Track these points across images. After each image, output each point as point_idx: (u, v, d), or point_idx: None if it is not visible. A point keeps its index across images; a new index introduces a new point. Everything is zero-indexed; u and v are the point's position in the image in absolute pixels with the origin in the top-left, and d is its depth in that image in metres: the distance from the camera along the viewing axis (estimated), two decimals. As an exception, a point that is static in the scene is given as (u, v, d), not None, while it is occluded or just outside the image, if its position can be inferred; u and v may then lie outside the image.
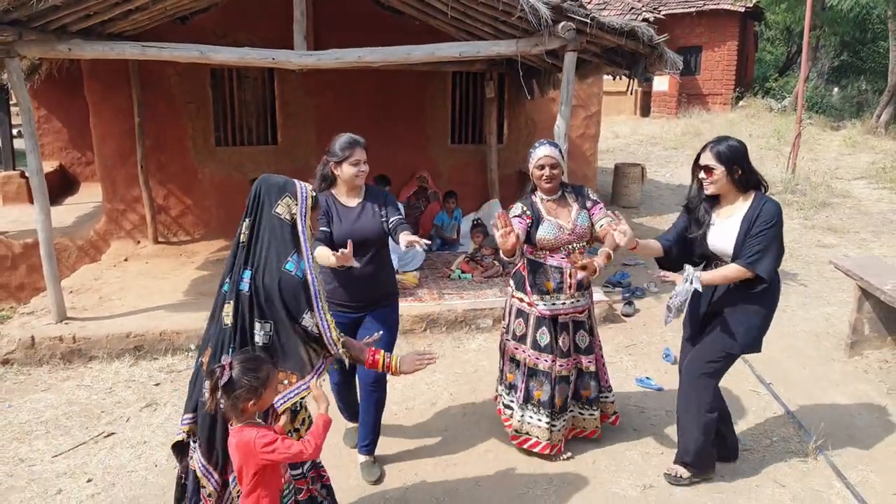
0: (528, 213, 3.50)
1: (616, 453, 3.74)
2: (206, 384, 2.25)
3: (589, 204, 3.56)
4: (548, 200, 3.53)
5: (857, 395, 4.43)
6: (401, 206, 3.99)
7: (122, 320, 5.27)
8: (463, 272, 6.35)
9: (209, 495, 2.45)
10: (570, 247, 3.51)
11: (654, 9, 19.81)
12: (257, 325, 2.36)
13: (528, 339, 3.60)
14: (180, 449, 2.59)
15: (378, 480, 3.51)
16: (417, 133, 8.02)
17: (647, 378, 4.64)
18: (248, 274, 2.36)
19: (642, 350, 5.21)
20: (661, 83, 19.25)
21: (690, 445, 3.40)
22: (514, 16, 4.83)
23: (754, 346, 3.23)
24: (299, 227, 2.43)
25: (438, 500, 3.38)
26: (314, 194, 2.51)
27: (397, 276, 5.96)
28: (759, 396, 4.39)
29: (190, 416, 2.50)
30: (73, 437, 4.01)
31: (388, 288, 3.54)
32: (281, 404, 2.40)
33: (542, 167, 3.45)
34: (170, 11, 5.97)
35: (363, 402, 3.52)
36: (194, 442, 2.50)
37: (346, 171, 3.28)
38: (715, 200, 3.23)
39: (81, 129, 11.55)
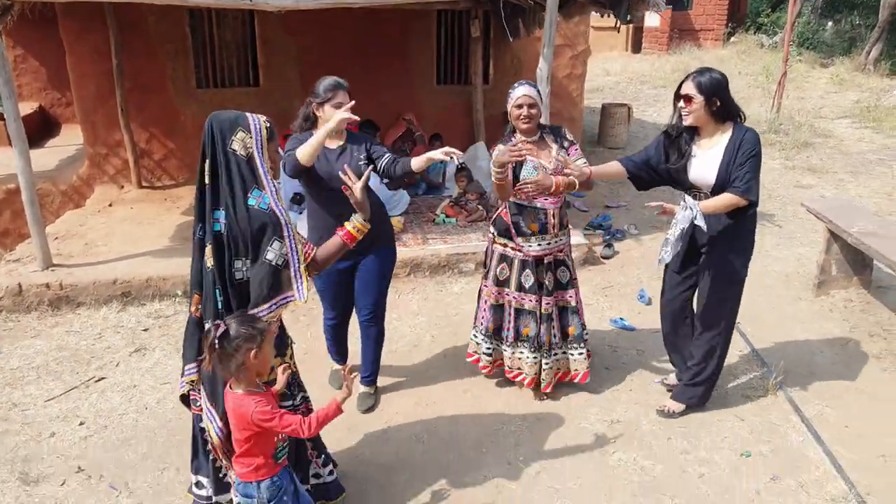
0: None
1: (587, 391, 3.92)
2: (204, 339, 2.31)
3: (566, 144, 3.63)
4: (527, 142, 3.58)
5: (820, 333, 4.61)
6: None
7: (108, 266, 5.34)
8: (447, 216, 6.42)
9: (214, 445, 2.56)
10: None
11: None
12: (237, 263, 2.43)
13: (513, 282, 3.72)
14: (187, 402, 2.71)
15: (369, 409, 3.78)
16: (402, 74, 7.92)
17: (621, 319, 4.81)
18: (220, 214, 2.41)
19: (619, 291, 5.35)
20: (653, 19, 18.82)
21: (707, 390, 3.67)
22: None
23: (746, 270, 3.46)
24: (256, 161, 2.42)
25: (417, 437, 3.56)
26: (268, 125, 2.49)
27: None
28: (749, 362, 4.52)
29: (193, 365, 2.59)
30: (64, 382, 4.14)
31: (379, 230, 3.42)
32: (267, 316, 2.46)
33: (520, 106, 3.49)
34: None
35: (362, 337, 3.76)
36: (198, 390, 2.60)
37: (328, 112, 3.30)
38: (695, 132, 3.32)
39: (59, 68, 11.23)
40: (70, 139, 10.39)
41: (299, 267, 2.48)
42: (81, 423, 3.72)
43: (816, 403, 3.81)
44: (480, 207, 6.40)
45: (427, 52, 8.02)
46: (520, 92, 3.50)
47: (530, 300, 3.71)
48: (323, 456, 2.97)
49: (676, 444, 3.48)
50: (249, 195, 2.39)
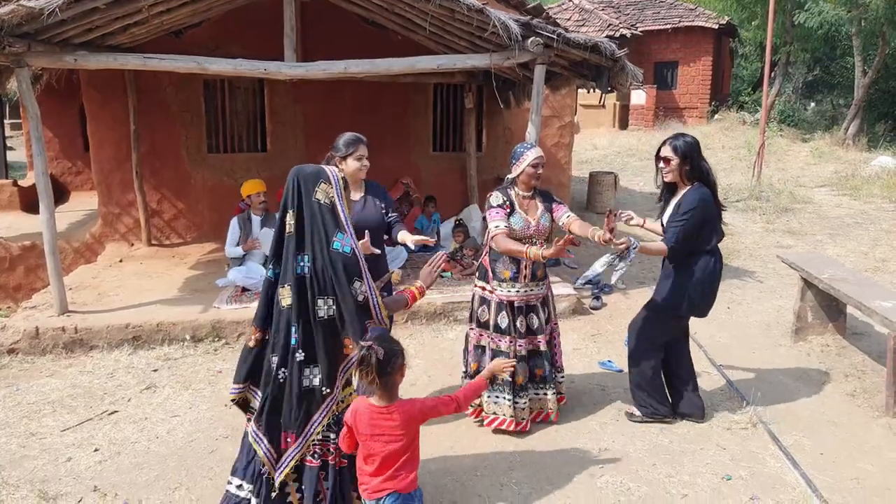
0: (507, 202, 3.91)
1: (577, 424, 4.15)
2: (355, 367, 2.55)
3: (553, 205, 4.01)
4: (522, 196, 3.95)
5: (797, 374, 4.87)
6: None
7: (120, 313, 5.61)
8: (444, 271, 6.73)
9: (262, 464, 2.81)
10: (530, 241, 3.90)
11: (632, 25, 20.50)
12: (320, 302, 2.65)
13: (491, 324, 4.00)
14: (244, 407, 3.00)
15: None
16: (401, 141, 8.45)
17: (609, 361, 5.06)
18: (306, 258, 2.65)
19: (607, 338, 5.62)
20: (639, 97, 19.86)
21: (635, 391, 4.15)
22: (488, 31, 5.27)
23: (673, 308, 3.90)
24: (339, 208, 2.69)
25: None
26: (343, 177, 2.79)
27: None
28: (709, 376, 4.80)
29: (239, 386, 2.91)
30: (78, 414, 4.34)
31: (386, 267, 4.01)
32: (347, 370, 2.76)
33: (535, 166, 3.87)
34: (165, 26, 6.37)
35: None
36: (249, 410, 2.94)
37: (350, 165, 3.65)
38: (674, 188, 3.87)
39: (72, 138, 11.90)
40: (78, 205, 10.88)
41: (377, 301, 2.71)
42: (96, 450, 3.91)
43: (793, 434, 4.03)
44: (475, 263, 6.73)
45: (424, 122, 8.57)
46: (535, 153, 3.88)
47: (506, 341, 3.97)
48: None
49: (661, 469, 3.68)
50: (334, 239, 2.64)
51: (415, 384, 4.76)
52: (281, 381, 2.76)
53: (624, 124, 20.56)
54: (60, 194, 12.31)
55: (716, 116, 20.38)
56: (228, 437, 4.05)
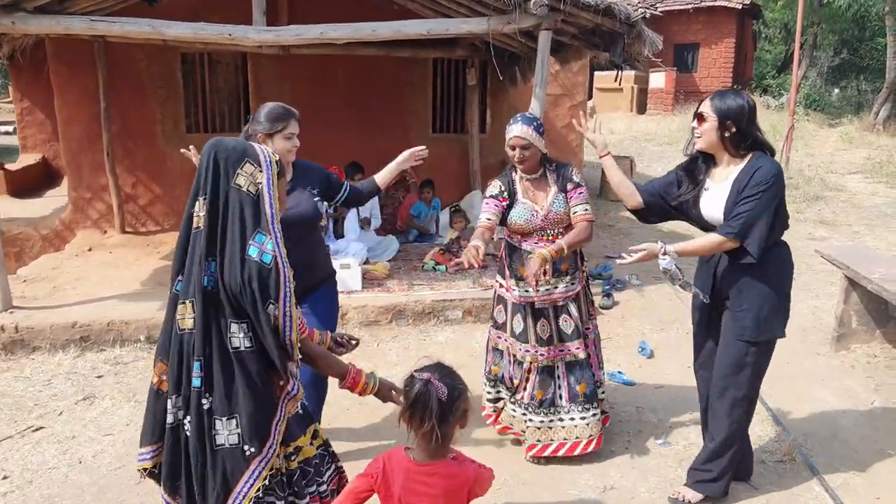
0: (505, 193, 3.26)
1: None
2: (403, 410, 1.82)
3: (569, 186, 3.25)
4: (526, 179, 3.27)
5: (842, 392, 4.15)
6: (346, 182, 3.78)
7: (69, 310, 5.00)
8: (437, 264, 6.07)
9: None
10: (542, 233, 3.25)
11: (651, 5, 19.59)
12: (234, 327, 1.93)
13: (508, 327, 3.38)
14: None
15: None
16: (397, 121, 7.76)
17: (619, 372, 4.37)
18: (213, 266, 1.93)
19: (617, 344, 4.93)
20: (658, 80, 19.00)
21: (726, 479, 3.00)
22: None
23: (769, 330, 2.80)
24: (266, 200, 1.95)
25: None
26: (277, 158, 2.06)
27: (367, 266, 5.72)
28: (763, 422, 4.04)
29: (150, 448, 2.07)
30: (-1, 431, 3.75)
31: (326, 270, 3.26)
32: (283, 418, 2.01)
33: (513, 147, 3.18)
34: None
35: (312, 385, 3.11)
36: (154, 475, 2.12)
37: (277, 145, 2.90)
38: (713, 162, 2.87)
39: (65, 121, 11.34)
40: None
41: (290, 334, 1.95)
42: (5, 478, 3.30)
43: (841, 471, 3.32)
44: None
45: (423, 100, 7.88)
46: (513, 132, 3.17)
47: (522, 349, 3.33)
48: None
49: (679, 514, 3.00)
50: (251, 242, 1.91)
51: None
52: (187, 434, 1.98)
53: (642, 108, 19.71)
54: (53, 178, 11.81)
55: (739, 101, 19.46)
56: (167, 461, 3.42)
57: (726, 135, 2.72)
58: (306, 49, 6.49)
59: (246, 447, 1.93)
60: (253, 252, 1.90)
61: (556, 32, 5.11)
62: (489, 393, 3.55)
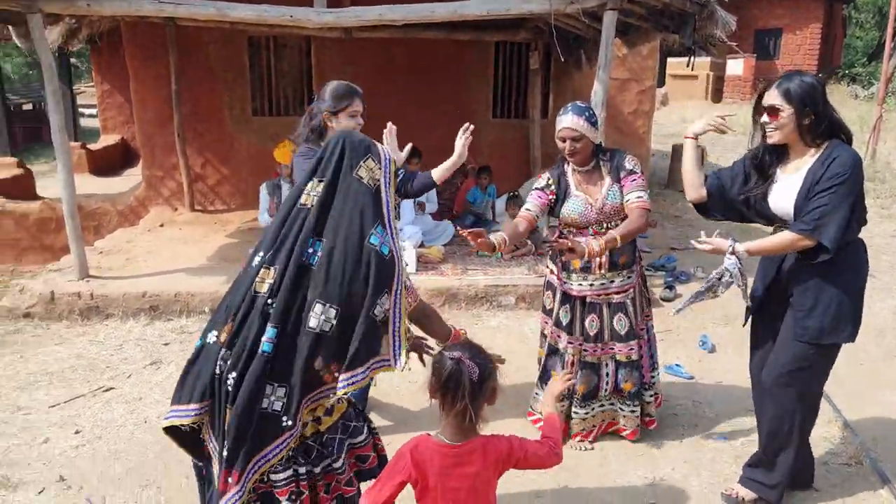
0: (552, 187, 3.16)
1: (629, 443, 3.38)
2: (433, 386, 1.81)
3: (622, 174, 3.12)
4: (579, 171, 3.17)
5: (918, 397, 3.90)
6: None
7: (140, 281, 5.25)
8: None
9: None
10: (598, 227, 3.13)
11: (731, -11, 18.81)
12: (318, 307, 1.96)
13: (553, 315, 3.31)
14: (176, 433, 2.14)
15: None
16: (457, 106, 7.73)
17: (678, 365, 4.24)
18: (319, 245, 2.00)
19: (678, 336, 4.79)
20: (735, 67, 18.24)
21: (780, 485, 2.82)
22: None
23: (835, 334, 2.58)
24: (383, 197, 2.07)
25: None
26: (395, 160, 2.16)
27: (421, 250, 5.75)
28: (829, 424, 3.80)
29: (197, 406, 2.05)
30: (73, 389, 3.98)
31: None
32: (316, 401, 2.05)
33: (563, 139, 3.07)
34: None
35: None
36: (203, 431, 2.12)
37: (342, 122, 2.96)
38: (783, 153, 2.65)
39: (142, 103, 11.87)
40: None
41: (399, 326, 2.00)
42: (77, 432, 3.51)
43: (912, 476, 3.13)
44: (529, 241, 6.00)
45: (484, 84, 7.82)
46: (563, 123, 3.05)
47: (565, 341, 3.26)
48: None
49: (731, 511, 2.90)
50: (373, 232, 2.00)
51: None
52: (229, 388, 2.01)
53: (717, 97, 18.99)
54: (131, 159, 12.39)
55: (823, 90, 18.48)
56: (223, 427, 3.56)
57: (805, 122, 2.48)
58: (368, 32, 6.54)
59: (284, 418, 1.97)
60: (374, 240, 1.99)
61: (623, 13, 4.97)
62: (538, 395, 3.43)
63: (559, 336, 3.28)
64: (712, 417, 3.67)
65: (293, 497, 2.04)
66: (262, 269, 2.03)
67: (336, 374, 1.98)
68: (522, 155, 7.86)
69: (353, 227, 1.99)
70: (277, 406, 1.97)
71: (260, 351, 1.95)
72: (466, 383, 1.72)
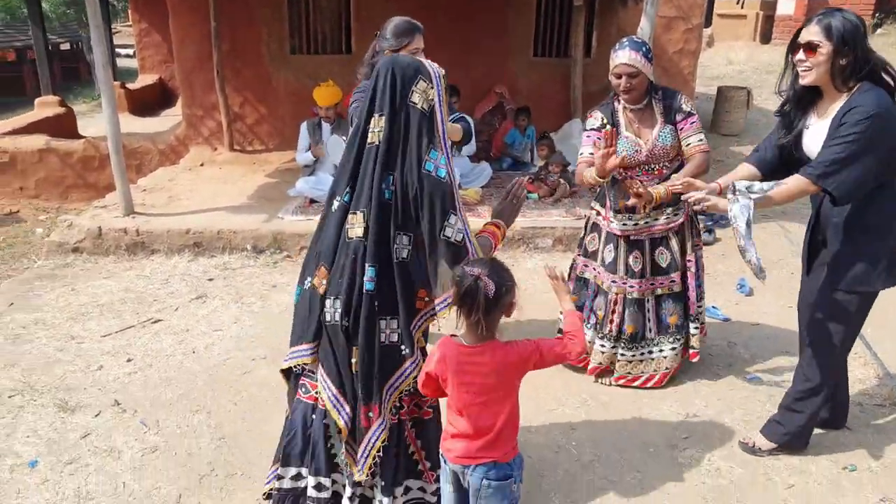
0: (607, 126, 3.10)
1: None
2: (454, 300, 1.90)
3: (679, 117, 3.07)
4: (630, 110, 3.11)
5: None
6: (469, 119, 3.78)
7: (184, 218, 5.38)
8: (529, 192, 6.01)
9: (339, 431, 2.22)
10: (646, 167, 3.11)
11: (785, -80, 17.78)
12: (403, 238, 2.07)
13: (599, 256, 3.32)
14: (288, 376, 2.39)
15: None
16: (497, 44, 7.55)
17: (715, 307, 4.24)
18: (391, 178, 2.07)
19: (716, 280, 4.76)
20: (787, 6, 17.37)
21: (801, 432, 2.84)
22: None
23: (867, 281, 2.53)
24: (437, 117, 2.08)
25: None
26: (444, 72, 2.13)
27: (459, 192, 5.74)
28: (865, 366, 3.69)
29: (309, 346, 2.22)
30: (123, 320, 4.15)
31: None
32: (420, 326, 2.15)
33: (618, 76, 3.00)
34: None
35: None
36: (313, 372, 2.27)
37: None
38: (809, 102, 2.54)
39: (179, 43, 11.87)
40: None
41: (473, 241, 2.08)
42: (129, 360, 3.69)
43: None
44: (563, 181, 5.94)
45: (525, 22, 7.59)
46: (619, 58, 2.97)
47: (610, 279, 3.28)
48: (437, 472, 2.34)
49: (763, 448, 2.93)
50: (426, 158, 2.04)
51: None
52: (345, 330, 2.13)
53: (766, 38, 18.16)
54: (168, 98, 12.48)
55: (879, 31, 17.55)
56: (266, 357, 3.70)
57: (841, 62, 2.35)
58: (408, -33, 6.37)
59: (402, 347, 2.13)
60: (429, 167, 2.03)
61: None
62: None
63: (605, 276, 3.29)
64: (747, 358, 3.69)
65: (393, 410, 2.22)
66: (350, 215, 2.11)
67: (426, 300, 2.10)
68: (562, 95, 7.70)
69: (412, 156, 2.05)
70: (394, 337, 2.13)
71: (364, 290, 2.08)
72: (482, 299, 1.81)
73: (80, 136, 8.83)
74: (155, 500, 2.64)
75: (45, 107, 9.60)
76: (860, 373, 3.50)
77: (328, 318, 2.14)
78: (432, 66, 2.12)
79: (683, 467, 2.81)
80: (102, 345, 3.86)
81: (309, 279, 2.23)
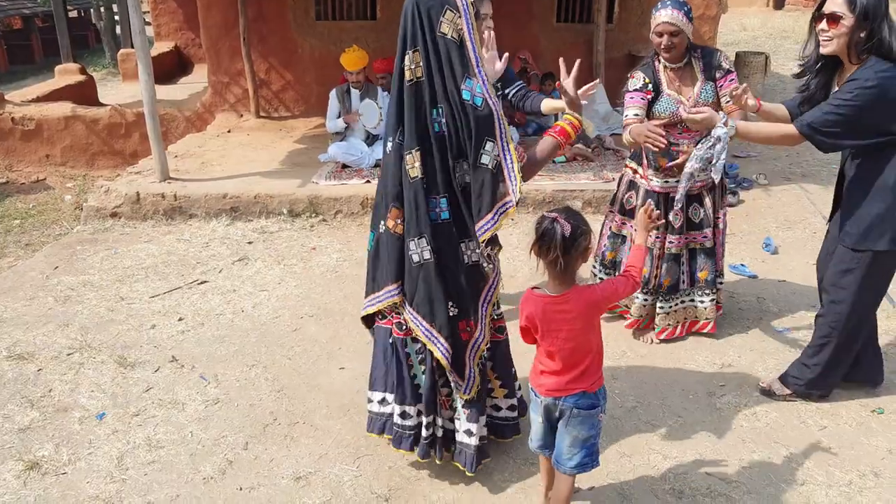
0: (649, 85, 3.18)
1: (697, 335, 3.56)
2: (534, 238, 1.99)
3: (718, 74, 3.17)
4: (670, 69, 3.19)
5: None
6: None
7: (219, 183, 5.50)
8: (556, 157, 6.10)
9: (437, 364, 2.36)
10: (686, 125, 3.18)
11: None
12: (459, 166, 2.18)
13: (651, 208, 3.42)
14: (370, 323, 2.55)
15: None
16: (520, 9, 7.56)
17: (742, 265, 4.37)
18: (439, 111, 2.14)
19: (741, 239, 4.87)
20: (803, -31, 17.15)
21: (815, 382, 2.94)
22: None
23: (877, 240, 2.64)
24: (468, 45, 2.09)
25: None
26: None
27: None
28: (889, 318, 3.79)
29: (395, 286, 2.33)
30: (169, 282, 4.30)
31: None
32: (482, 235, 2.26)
33: (660, 34, 3.07)
34: None
35: None
36: (400, 311, 2.39)
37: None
38: (829, 73, 2.69)
39: (196, 10, 11.82)
40: (200, 77, 10.87)
41: (513, 166, 2.13)
42: (180, 319, 3.84)
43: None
44: (581, 146, 6.05)
45: (548, -13, 7.61)
46: (662, 17, 3.04)
47: (651, 237, 3.38)
48: (508, 388, 2.61)
49: (796, 395, 3.08)
50: (463, 87, 2.09)
51: (514, 276, 4.34)
52: (432, 262, 2.26)
53: (780, 3, 18.03)
54: (185, 66, 12.49)
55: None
56: (314, 315, 3.85)
57: (860, 35, 2.47)
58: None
59: (484, 264, 2.32)
60: (466, 96, 2.10)
61: None
62: (601, 279, 3.60)
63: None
64: (776, 312, 3.82)
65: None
66: (406, 156, 2.21)
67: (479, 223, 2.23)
68: (585, 60, 7.64)
69: (449, 87, 2.11)
70: (475, 257, 2.30)
71: (441, 219, 2.23)
72: (559, 238, 1.93)
73: (100, 104, 8.91)
74: (223, 447, 2.80)
75: (67, 74, 9.68)
76: (884, 325, 3.62)
77: (415, 259, 2.26)
78: None
79: (721, 412, 2.96)
80: (152, 305, 4.01)
81: (382, 223, 2.34)
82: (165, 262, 4.58)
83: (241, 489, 2.56)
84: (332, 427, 2.88)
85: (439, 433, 2.48)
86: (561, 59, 2.46)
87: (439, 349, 2.31)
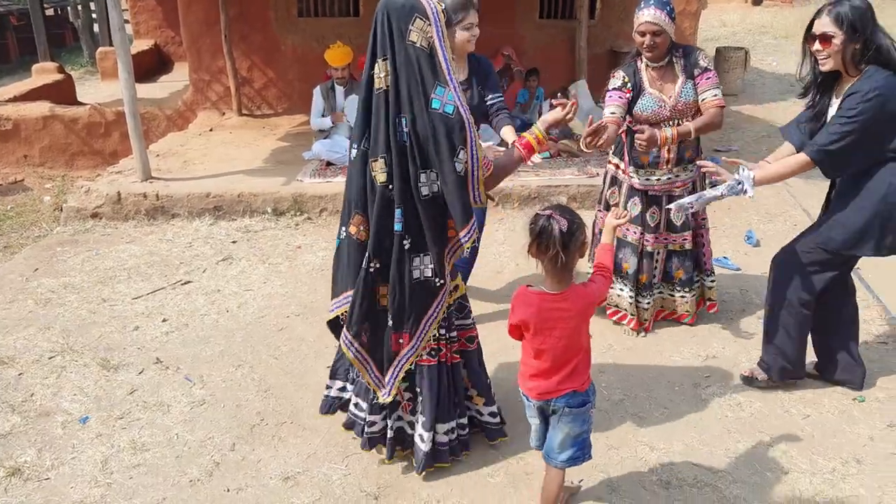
0: (629, 84, 3.21)
1: (682, 328, 3.60)
2: (532, 240, 1.99)
3: (696, 72, 3.18)
4: (652, 68, 3.21)
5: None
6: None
7: (202, 182, 5.45)
8: (540, 152, 6.11)
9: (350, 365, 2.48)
10: (669, 123, 3.21)
11: None
12: (423, 177, 2.16)
13: (621, 209, 3.44)
14: (336, 328, 2.55)
15: None
16: (503, 5, 7.55)
17: (725, 258, 4.40)
18: (404, 121, 2.13)
19: (724, 232, 4.92)
20: (780, -35, 17.31)
21: (781, 369, 3.02)
22: None
23: (851, 245, 2.74)
24: (439, 53, 2.09)
25: (494, 355, 3.38)
26: (443, 5, 2.14)
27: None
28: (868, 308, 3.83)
29: (349, 294, 2.39)
30: (152, 283, 4.26)
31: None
32: (453, 254, 2.31)
33: (643, 34, 3.09)
34: None
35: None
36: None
37: (457, 36, 2.94)
38: (830, 85, 2.74)
39: (175, 8, 11.69)
40: (181, 75, 10.74)
41: (476, 174, 2.14)
42: (164, 320, 3.80)
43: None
44: (567, 142, 6.07)
45: (530, -17, 7.61)
46: (644, 17, 3.06)
47: (633, 232, 3.42)
48: (485, 397, 2.64)
49: (779, 384, 3.11)
50: (432, 96, 2.07)
51: (501, 272, 4.35)
52: (376, 272, 2.31)
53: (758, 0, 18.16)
54: (164, 64, 12.35)
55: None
56: (300, 314, 3.84)
57: (856, 47, 2.54)
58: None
59: (436, 279, 2.28)
60: (436, 105, 2.08)
61: None
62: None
63: (627, 229, 3.41)
64: (759, 304, 3.84)
65: (433, 353, 2.41)
66: (371, 162, 2.21)
67: (454, 230, 2.24)
68: (568, 57, 7.74)
69: (418, 96, 2.09)
70: (427, 273, 2.27)
71: (395, 230, 2.22)
72: (557, 234, 1.93)
73: (79, 103, 8.79)
74: (209, 449, 2.77)
75: (44, 73, 9.52)
76: (864, 314, 3.66)
77: (366, 263, 2.30)
78: (429, 3, 2.10)
79: (707, 403, 2.99)
80: (135, 306, 3.96)
81: (344, 228, 2.36)
82: (148, 263, 4.53)
83: (228, 490, 2.55)
84: (321, 426, 2.86)
85: (390, 434, 2.54)
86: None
87: (351, 351, 2.40)
